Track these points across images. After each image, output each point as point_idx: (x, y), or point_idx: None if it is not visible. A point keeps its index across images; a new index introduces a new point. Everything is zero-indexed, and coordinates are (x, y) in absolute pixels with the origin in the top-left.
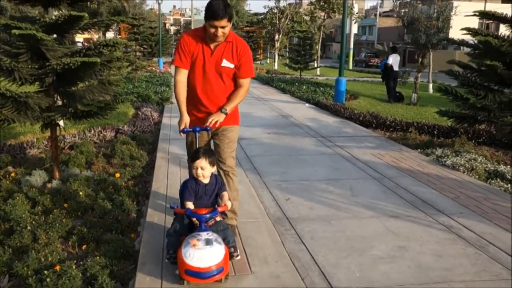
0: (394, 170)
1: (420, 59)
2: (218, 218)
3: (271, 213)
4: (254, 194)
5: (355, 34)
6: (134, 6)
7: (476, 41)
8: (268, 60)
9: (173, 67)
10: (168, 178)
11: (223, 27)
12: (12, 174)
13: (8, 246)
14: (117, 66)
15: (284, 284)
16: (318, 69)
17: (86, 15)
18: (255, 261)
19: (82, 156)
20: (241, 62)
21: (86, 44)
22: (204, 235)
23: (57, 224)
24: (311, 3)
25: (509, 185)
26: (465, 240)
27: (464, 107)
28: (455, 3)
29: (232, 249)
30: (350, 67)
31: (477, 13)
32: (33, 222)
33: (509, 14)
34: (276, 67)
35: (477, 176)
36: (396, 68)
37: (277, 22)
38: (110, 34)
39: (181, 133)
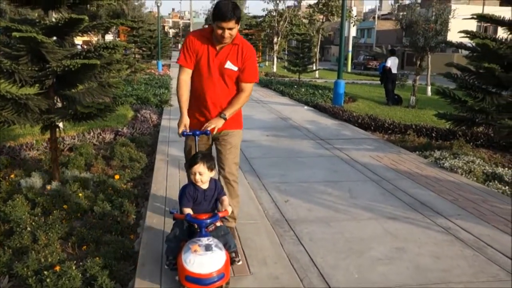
0: (393, 172)
1: (419, 62)
2: (218, 223)
3: (270, 214)
4: (253, 196)
5: (354, 37)
6: (133, 8)
7: (474, 44)
8: (266, 63)
9: (172, 69)
10: (167, 180)
11: (230, 29)
12: (12, 176)
13: (8, 247)
14: (117, 68)
15: (283, 285)
16: (317, 71)
17: (86, 17)
18: (254, 263)
19: (81, 158)
20: (245, 66)
21: (85, 46)
22: (205, 240)
23: (57, 225)
24: (309, 6)
25: (507, 187)
26: (463, 242)
27: (462, 109)
28: (453, 6)
29: (234, 254)
30: (349, 69)
31: (474, 16)
32: (33, 223)
33: (506, 17)
34: (275, 70)
35: (475, 178)
36: (394, 70)
37: (276, 25)
38: (109, 37)
39: (182, 135)
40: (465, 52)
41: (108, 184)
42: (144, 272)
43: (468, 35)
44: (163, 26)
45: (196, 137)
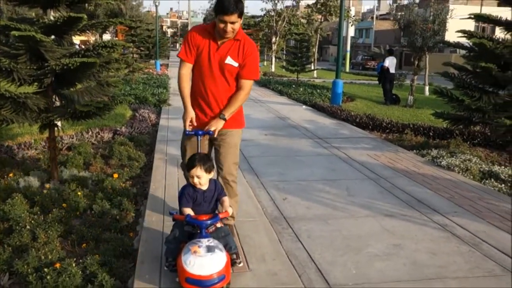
0: (390, 170)
1: (417, 62)
2: (218, 225)
3: (268, 212)
4: (251, 194)
5: (352, 37)
6: (131, 8)
7: (471, 44)
8: (265, 63)
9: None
10: (166, 178)
11: (233, 23)
12: (10, 175)
13: (7, 245)
14: (115, 67)
15: (281, 281)
16: (315, 71)
17: (85, 16)
18: (252, 259)
19: (80, 157)
20: (245, 62)
21: (83, 46)
22: (205, 242)
23: (56, 224)
24: (308, 6)
25: (503, 185)
26: (459, 238)
27: (459, 108)
28: (451, 6)
29: (234, 256)
30: (347, 69)
31: (472, 16)
32: (32, 221)
33: (504, 17)
34: (273, 70)
35: (471, 177)
36: (392, 70)
37: (274, 24)
38: (106, 37)
39: (185, 134)
40: (462, 52)
41: (107, 183)
42: (144, 270)
43: (466, 35)
44: (161, 26)
45: (199, 137)
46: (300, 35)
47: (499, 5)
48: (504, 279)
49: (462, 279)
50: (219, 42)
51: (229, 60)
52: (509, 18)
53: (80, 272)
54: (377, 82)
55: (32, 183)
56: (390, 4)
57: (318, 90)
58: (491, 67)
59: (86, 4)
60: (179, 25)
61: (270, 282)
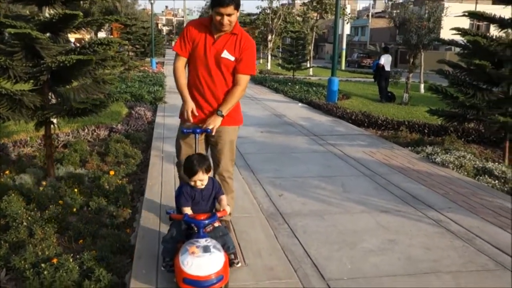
0: (385, 167)
1: (412, 60)
2: (216, 224)
3: (264, 208)
4: (247, 190)
5: (348, 35)
6: (126, 6)
7: (465, 41)
8: (261, 61)
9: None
10: (162, 175)
11: (229, 15)
12: (6, 172)
13: (4, 241)
14: (111, 65)
15: (277, 276)
16: (311, 69)
17: (81, 13)
18: (249, 254)
19: (76, 155)
20: (242, 56)
21: (78, 44)
22: (203, 241)
23: (53, 220)
24: (303, 4)
25: (496, 181)
26: (453, 234)
27: (453, 105)
28: (446, 4)
29: (232, 256)
30: (343, 67)
31: (466, 14)
32: (29, 218)
33: (498, 15)
34: (269, 67)
35: (465, 173)
36: (388, 68)
37: (270, 22)
38: (101, 34)
39: (183, 132)
40: (457, 50)
41: (103, 180)
42: (140, 265)
43: (460, 32)
44: (157, 24)
45: (197, 135)
46: (296, 33)
47: (493, 3)
48: (497, 273)
49: (455, 273)
50: (215, 36)
51: (225, 54)
52: (503, 16)
53: (77, 267)
54: (372, 79)
55: (29, 180)
56: (385, 2)
57: (314, 88)
58: (485, 65)
59: (81, 2)
60: (175, 23)
61: (266, 277)
